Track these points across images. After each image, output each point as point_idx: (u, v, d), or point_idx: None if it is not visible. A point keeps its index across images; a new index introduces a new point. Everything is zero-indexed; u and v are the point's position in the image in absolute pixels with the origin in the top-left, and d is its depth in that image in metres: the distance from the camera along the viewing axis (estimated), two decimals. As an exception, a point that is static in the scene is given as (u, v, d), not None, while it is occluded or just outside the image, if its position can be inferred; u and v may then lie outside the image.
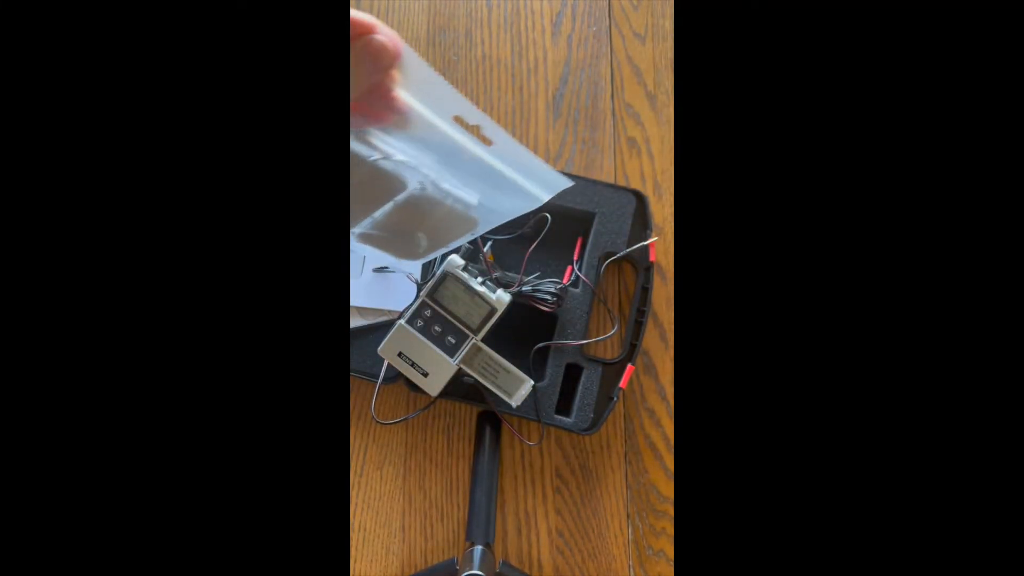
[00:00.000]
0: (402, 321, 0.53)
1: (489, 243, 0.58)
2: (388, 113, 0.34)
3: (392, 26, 0.65)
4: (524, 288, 0.55)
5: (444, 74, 0.65)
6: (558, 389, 0.58)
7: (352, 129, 0.36)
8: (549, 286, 0.56)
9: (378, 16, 0.65)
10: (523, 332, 0.57)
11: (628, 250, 0.59)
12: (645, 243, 0.59)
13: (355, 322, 0.58)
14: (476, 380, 0.53)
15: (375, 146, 0.38)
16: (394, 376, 0.56)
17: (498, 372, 0.53)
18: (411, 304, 0.54)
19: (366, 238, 0.46)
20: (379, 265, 0.59)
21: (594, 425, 0.58)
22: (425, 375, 0.53)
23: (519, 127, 0.64)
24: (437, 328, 0.53)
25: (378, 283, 0.59)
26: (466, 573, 0.51)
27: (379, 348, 0.53)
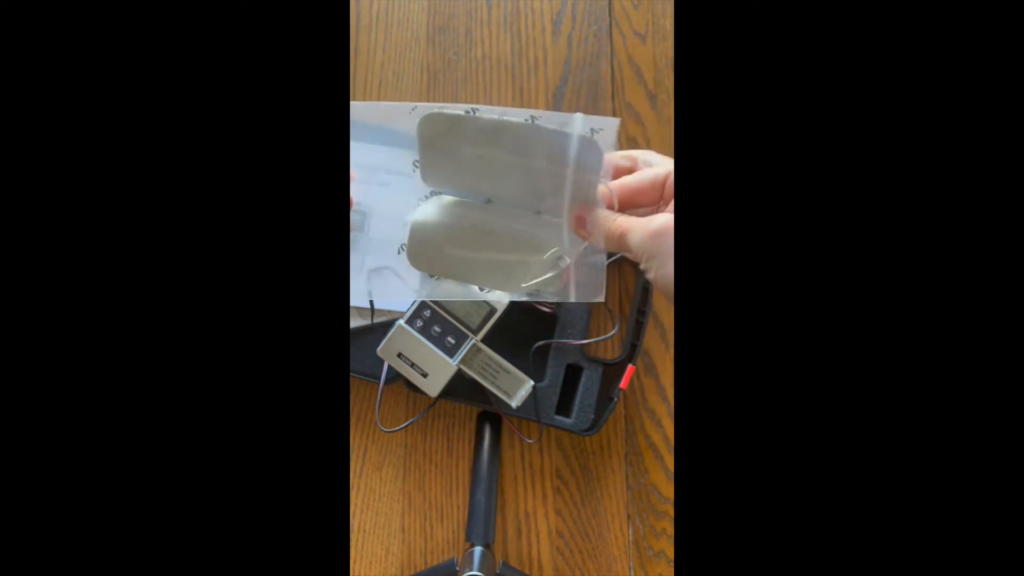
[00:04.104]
0: (401, 322, 0.53)
1: (489, 243, 0.57)
2: None
3: (392, 26, 0.65)
4: (524, 288, 0.55)
5: (444, 73, 0.65)
6: (558, 389, 0.58)
7: None
8: (549, 286, 0.56)
9: (378, 16, 0.65)
10: (523, 332, 0.57)
11: (628, 250, 0.59)
12: (645, 243, 0.59)
13: (355, 322, 0.58)
14: (476, 380, 0.53)
15: None
16: (394, 377, 0.56)
17: (498, 372, 0.53)
18: (411, 305, 0.54)
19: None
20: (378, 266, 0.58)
21: (594, 426, 0.57)
22: (425, 376, 0.53)
23: (519, 127, 0.64)
24: (437, 328, 0.52)
25: (378, 283, 0.58)
26: (466, 574, 0.51)
27: (378, 349, 0.53)
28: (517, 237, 0.39)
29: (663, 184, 0.37)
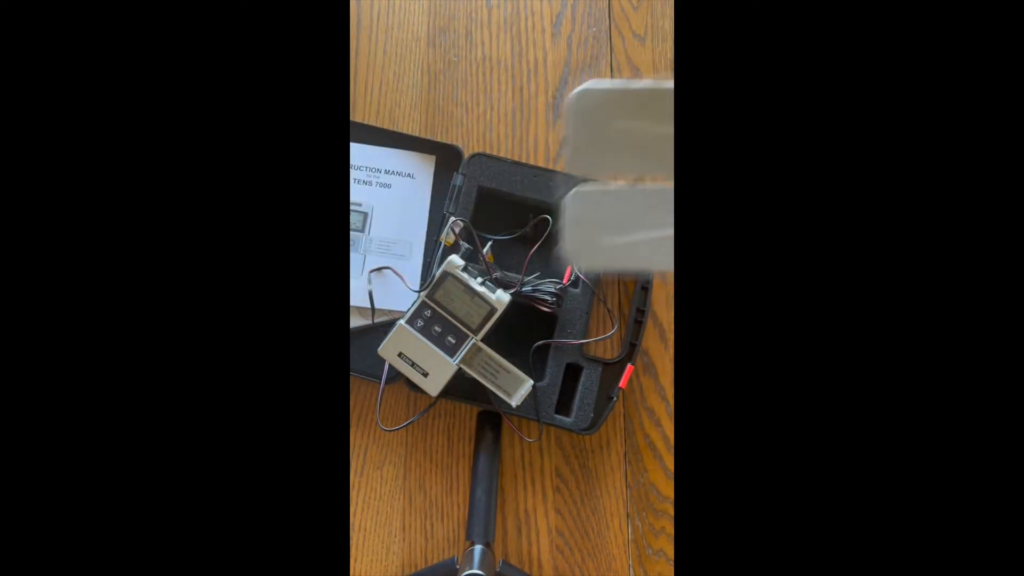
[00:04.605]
0: (402, 321, 0.53)
1: (489, 243, 0.58)
2: None
3: (392, 27, 0.65)
4: (524, 288, 0.55)
5: (444, 74, 0.65)
6: (558, 389, 0.58)
7: None
8: (549, 286, 0.56)
9: (378, 17, 0.65)
10: (523, 332, 0.57)
11: (628, 250, 0.59)
12: (645, 243, 0.59)
13: (355, 322, 0.58)
14: (476, 380, 0.53)
15: None
16: (395, 376, 0.56)
17: (498, 372, 0.53)
18: (411, 304, 0.54)
19: None
20: (378, 266, 0.59)
21: (594, 425, 0.58)
22: (425, 375, 0.53)
23: (519, 128, 0.64)
24: (437, 328, 0.53)
25: (378, 283, 0.59)
26: (466, 572, 0.52)
27: (379, 348, 0.53)
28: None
29: None
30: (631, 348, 0.59)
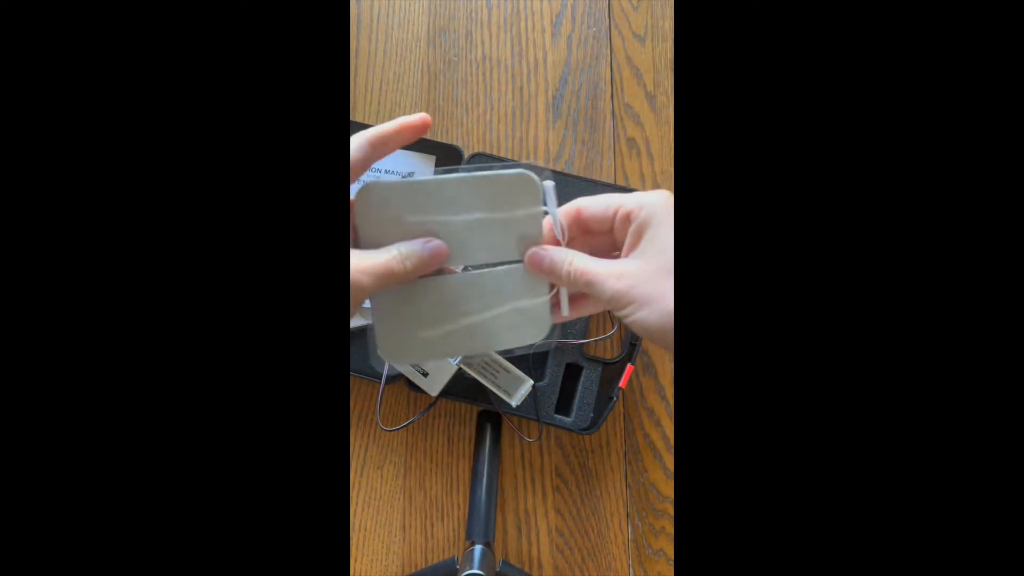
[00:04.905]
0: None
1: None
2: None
3: (392, 27, 0.65)
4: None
5: (444, 74, 0.65)
6: (558, 389, 0.58)
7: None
8: (549, 286, 0.56)
9: (378, 17, 0.65)
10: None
11: (628, 250, 0.59)
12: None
13: (355, 322, 0.58)
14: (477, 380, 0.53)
15: None
16: (395, 376, 0.56)
17: (498, 372, 0.53)
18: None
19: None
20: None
21: (594, 425, 0.58)
22: (425, 375, 0.53)
23: (519, 128, 0.64)
24: (437, 328, 0.53)
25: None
26: (466, 572, 0.52)
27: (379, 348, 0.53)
28: (484, 297, 0.37)
29: (614, 215, 0.36)
30: (631, 348, 0.59)
